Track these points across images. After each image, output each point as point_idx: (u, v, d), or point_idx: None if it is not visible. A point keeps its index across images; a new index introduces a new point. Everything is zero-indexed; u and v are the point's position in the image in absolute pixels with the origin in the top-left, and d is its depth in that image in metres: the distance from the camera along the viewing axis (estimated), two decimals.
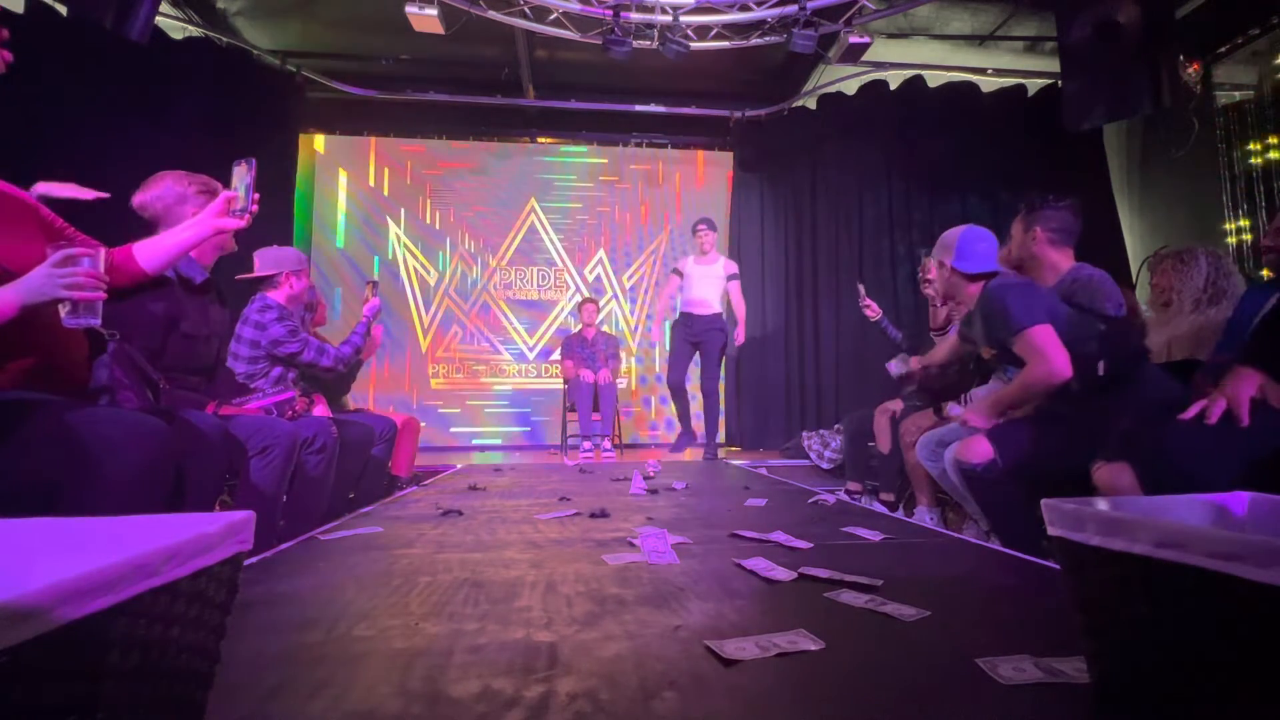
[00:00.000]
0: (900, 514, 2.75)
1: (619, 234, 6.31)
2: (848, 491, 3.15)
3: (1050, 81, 5.51)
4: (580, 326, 5.08)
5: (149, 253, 1.52)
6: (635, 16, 4.63)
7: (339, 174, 6.05)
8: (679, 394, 4.46)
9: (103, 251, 1.28)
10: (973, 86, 5.71)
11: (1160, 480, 1.26)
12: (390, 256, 6.05)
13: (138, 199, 1.84)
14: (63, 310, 1.25)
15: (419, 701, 0.73)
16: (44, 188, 1.97)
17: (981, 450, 1.79)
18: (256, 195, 1.51)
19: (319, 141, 6.02)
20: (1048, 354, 1.72)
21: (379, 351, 5.87)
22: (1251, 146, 4.66)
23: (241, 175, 1.52)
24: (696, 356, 4.49)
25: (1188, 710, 0.54)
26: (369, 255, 6.01)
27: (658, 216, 6.34)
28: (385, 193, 6.09)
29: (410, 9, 4.32)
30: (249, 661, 0.84)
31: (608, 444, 4.96)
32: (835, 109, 5.79)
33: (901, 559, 1.47)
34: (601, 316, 5.23)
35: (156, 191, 1.84)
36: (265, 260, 2.55)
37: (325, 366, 2.53)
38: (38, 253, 1.24)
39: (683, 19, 4.67)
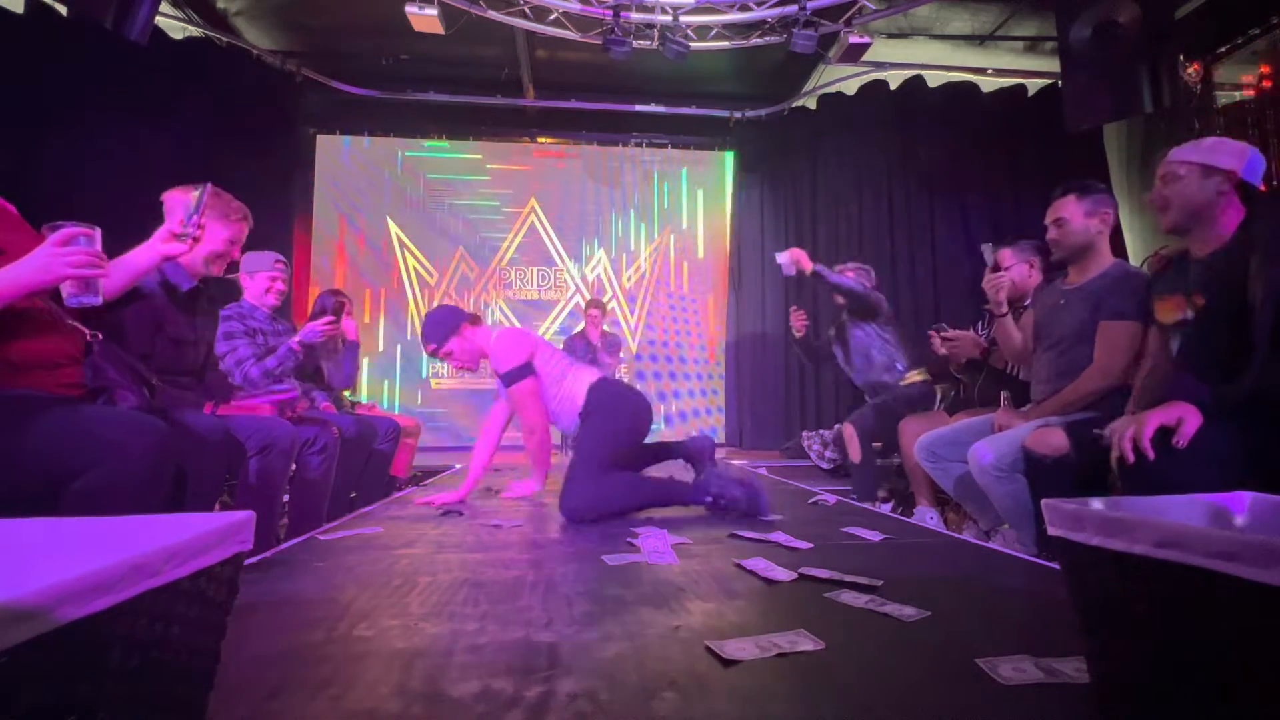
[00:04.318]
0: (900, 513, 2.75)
1: (619, 234, 6.31)
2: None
3: (1050, 81, 5.50)
4: (584, 326, 5.07)
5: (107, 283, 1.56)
6: (635, 16, 4.62)
7: (339, 174, 6.04)
8: None
9: (99, 232, 1.30)
10: (973, 86, 5.70)
11: (1132, 479, 1.26)
12: (390, 257, 6.05)
13: (165, 194, 1.87)
14: (65, 290, 1.27)
15: (419, 701, 0.73)
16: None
17: (1057, 442, 1.72)
18: (201, 221, 1.57)
19: (319, 141, 6.01)
20: None
21: (380, 352, 5.90)
22: (1245, 80, 4.62)
23: (189, 200, 1.58)
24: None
25: (1188, 710, 0.54)
26: (369, 255, 6.01)
27: (657, 216, 6.34)
28: (385, 193, 6.09)
29: (410, 9, 4.32)
30: (249, 661, 0.84)
31: None
32: (835, 109, 5.79)
33: (901, 559, 1.47)
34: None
35: (177, 194, 1.86)
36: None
37: (234, 383, 2.36)
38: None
39: (683, 19, 4.66)
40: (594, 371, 2.38)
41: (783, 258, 3.00)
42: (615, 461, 2.17)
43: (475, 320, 2.40)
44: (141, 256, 1.55)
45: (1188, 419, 1.22)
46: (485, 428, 2.53)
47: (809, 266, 2.97)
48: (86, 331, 1.43)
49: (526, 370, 2.26)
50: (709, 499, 2.03)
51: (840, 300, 3.30)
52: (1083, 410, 1.88)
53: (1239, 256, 1.45)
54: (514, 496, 2.48)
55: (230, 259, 2.00)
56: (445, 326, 2.33)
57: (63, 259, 1.23)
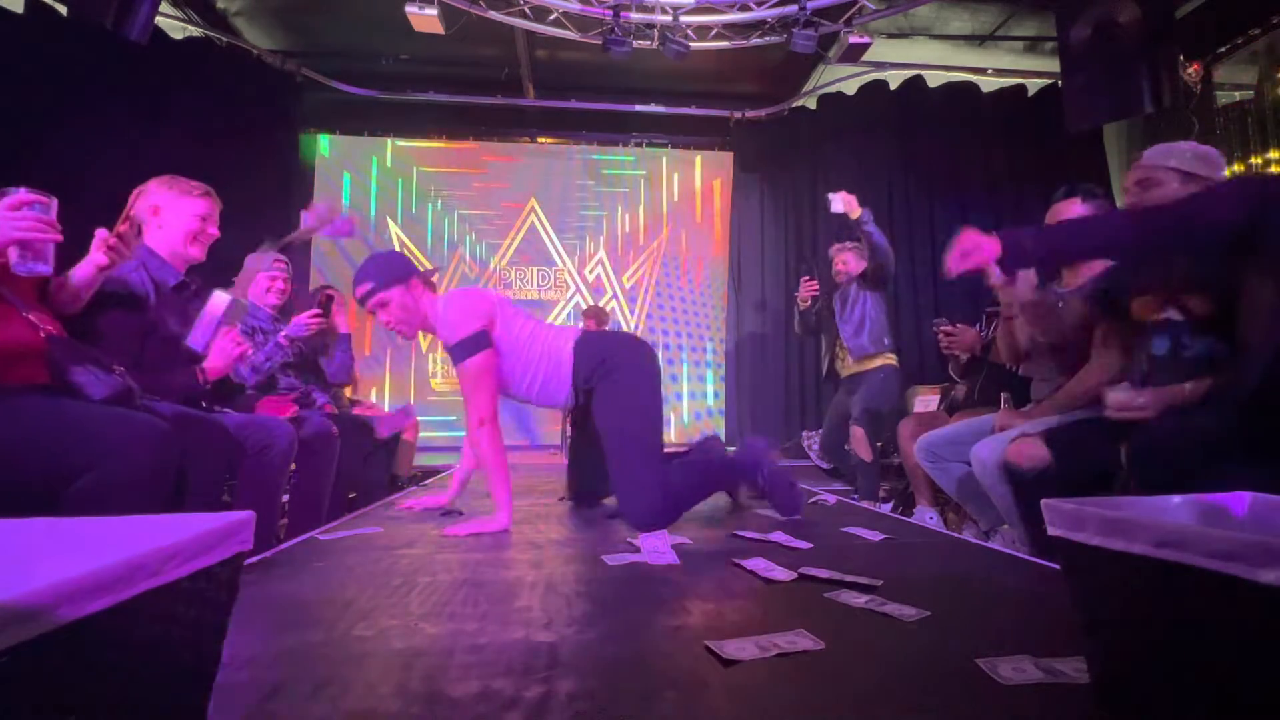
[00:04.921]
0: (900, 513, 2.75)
1: (619, 234, 6.31)
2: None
3: (1050, 81, 5.50)
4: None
5: (61, 295, 1.55)
6: (635, 16, 4.62)
7: (339, 174, 6.04)
8: None
9: (55, 201, 1.28)
10: (973, 86, 5.70)
11: (1145, 475, 1.27)
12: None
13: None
14: (13, 256, 1.26)
15: (419, 701, 0.73)
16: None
17: (1036, 454, 1.70)
18: (121, 229, 1.52)
19: (319, 142, 6.01)
20: None
21: (378, 352, 5.89)
22: (1255, 160, 4.66)
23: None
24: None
25: (1188, 710, 0.54)
26: (369, 255, 6.01)
27: (657, 216, 6.34)
28: (385, 193, 6.08)
29: (410, 9, 4.32)
30: (249, 661, 0.84)
31: None
32: (835, 109, 5.79)
33: (901, 559, 1.47)
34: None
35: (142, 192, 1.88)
36: None
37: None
38: None
39: (683, 19, 4.66)
40: (571, 328, 2.00)
41: (836, 196, 3.15)
42: (657, 436, 1.85)
43: (429, 283, 1.96)
44: (82, 269, 1.53)
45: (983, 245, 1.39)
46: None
47: (856, 212, 3.14)
48: (41, 327, 1.42)
49: (481, 341, 1.78)
50: (761, 481, 1.85)
51: (847, 271, 3.44)
52: (1084, 408, 1.88)
53: (1231, 259, 1.41)
54: (466, 533, 1.76)
55: (208, 235, 1.96)
56: (393, 270, 1.87)
57: (12, 223, 1.22)
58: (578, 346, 1.88)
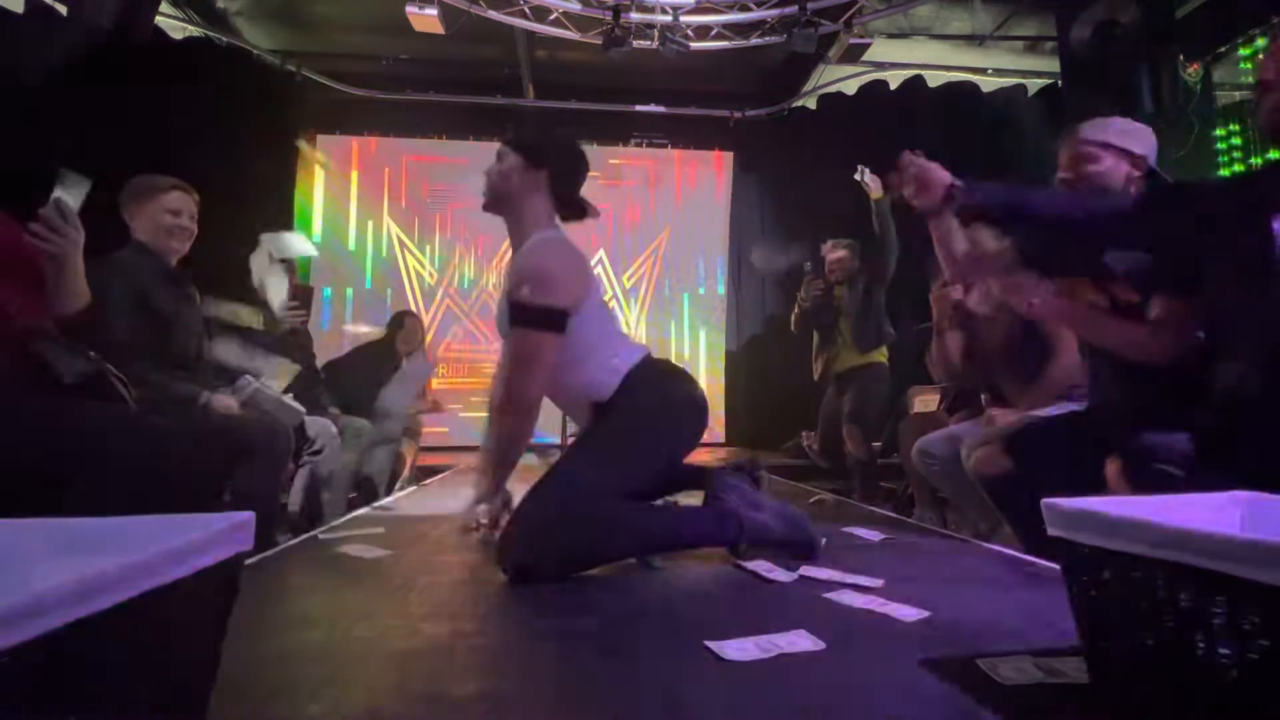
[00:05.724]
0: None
1: (619, 234, 6.31)
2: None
3: (1050, 81, 5.51)
4: None
5: (50, 298, 1.51)
6: (635, 16, 4.63)
7: (337, 173, 6.04)
8: None
9: None
10: (973, 86, 5.70)
11: (1141, 478, 1.26)
12: (390, 256, 6.05)
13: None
14: None
15: (419, 701, 0.73)
16: None
17: (997, 461, 1.68)
18: (55, 222, 1.45)
19: (319, 141, 6.02)
20: None
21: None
22: (1255, 160, 4.66)
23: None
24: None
25: (1187, 710, 0.54)
26: (370, 255, 6.02)
27: (658, 216, 6.34)
28: (384, 193, 6.09)
29: (410, 9, 4.32)
30: (249, 661, 0.84)
31: None
32: (835, 109, 5.79)
33: (901, 559, 1.46)
34: None
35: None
36: None
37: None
38: None
39: (683, 19, 4.67)
40: (640, 346, 1.62)
41: (866, 170, 3.41)
42: (624, 494, 1.39)
43: (564, 207, 1.65)
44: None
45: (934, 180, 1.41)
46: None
47: (878, 195, 3.38)
48: (16, 319, 1.40)
49: (557, 319, 1.42)
50: (744, 543, 1.38)
51: (842, 268, 3.58)
52: (1058, 403, 1.90)
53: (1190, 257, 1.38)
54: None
55: (182, 230, 1.94)
56: (543, 154, 1.64)
57: None
58: (630, 374, 1.50)
